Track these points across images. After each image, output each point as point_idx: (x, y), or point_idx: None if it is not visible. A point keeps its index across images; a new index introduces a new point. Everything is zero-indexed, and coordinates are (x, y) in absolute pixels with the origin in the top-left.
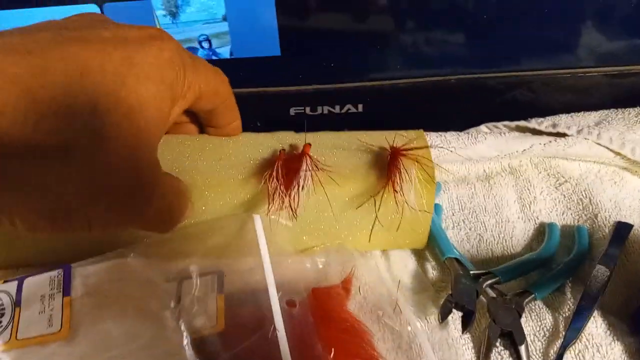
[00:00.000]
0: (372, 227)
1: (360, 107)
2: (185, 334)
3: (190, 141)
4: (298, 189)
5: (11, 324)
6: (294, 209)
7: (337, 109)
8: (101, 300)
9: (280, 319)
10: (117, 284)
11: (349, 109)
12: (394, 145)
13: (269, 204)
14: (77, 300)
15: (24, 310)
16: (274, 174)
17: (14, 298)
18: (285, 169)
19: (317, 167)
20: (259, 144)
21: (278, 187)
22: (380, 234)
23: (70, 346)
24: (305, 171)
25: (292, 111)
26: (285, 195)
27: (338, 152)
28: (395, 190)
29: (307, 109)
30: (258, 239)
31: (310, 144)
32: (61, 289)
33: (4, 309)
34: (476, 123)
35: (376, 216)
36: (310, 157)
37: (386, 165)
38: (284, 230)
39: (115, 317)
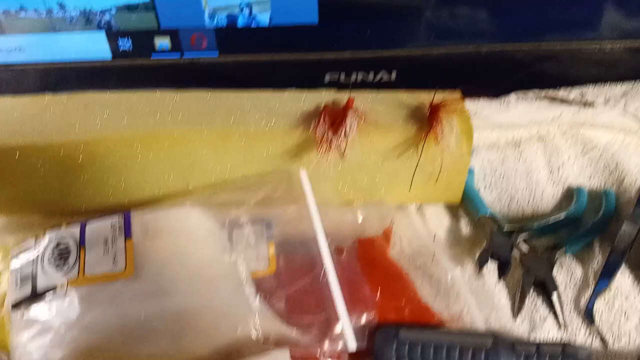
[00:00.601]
0: (413, 174)
1: (393, 75)
2: (243, 274)
3: (241, 97)
4: (345, 133)
5: (78, 262)
6: (342, 151)
7: (370, 77)
8: (162, 243)
9: (330, 262)
10: (175, 229)
11: (381, 78)
12: (433, 101)
13: (318, 148)
14: (138, 243)
15: (89, 251)
16: (321, 120)
17: (78, 240)
18: (331, 120)
19: (360, 117)
20: (303, 99)
21: (326, 132)
22: (419, 187)
23: (135, 284)
24: (351, 119)
25: (327, 78)
26: (334, 138)
27: (379, 107)
28: (437, 139)
29: (342, 76)
30: (305, 190)
31: (353, 98)
32: (122, 232)
33: (69, 249)
34: (506, 93)
35: (417, 163)
36: (354, 108)
37: (426, 118)
38: (328, 183)
39: (175, 258)
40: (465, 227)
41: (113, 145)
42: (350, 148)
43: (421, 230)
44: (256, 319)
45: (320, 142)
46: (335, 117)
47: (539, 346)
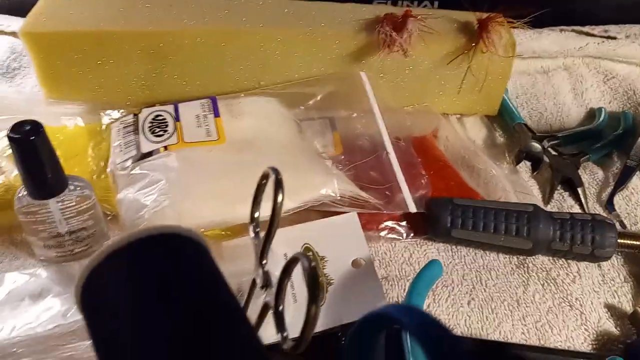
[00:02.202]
0: (464, 77)
1: (435, 4)
2: (315, 148)
3: (309, 6)
4: (408, 32)
5: (176, 131)
6: (405, 50)
7: (414, 4)
8: (247, 123)
9: (390, 144)
10: (256, 113)
11: (425, 4)
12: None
13: (381, 47)
14: (227, 121)
15: (184, 124)
16: (384, 24)
17: (174, 115)
18: (392, 24)
19: (418, 23)
20: (363, 9)
21: (389, 33)
22: (461, 97)
23: (228, 151)
24: (411, 24)
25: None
26: (397, 38)
27: (432, 20)
28: (486, 47)
29: (389, 3)
30: (366, 89)
31: (411, 9)
32: (212, 112)
33: (166, 120)
34: (538, 27)
35: (468, 67)
36: (413, 15)
37: (474, 31)
38: (383, 86)
39: (260, 135)
40: (499, 138)
41: (197, 38)
42: (412, 49)
43: (463, 135)
44: (336, 182)
45: (384, 42)
46: (396, 23)
47: (572, 215)
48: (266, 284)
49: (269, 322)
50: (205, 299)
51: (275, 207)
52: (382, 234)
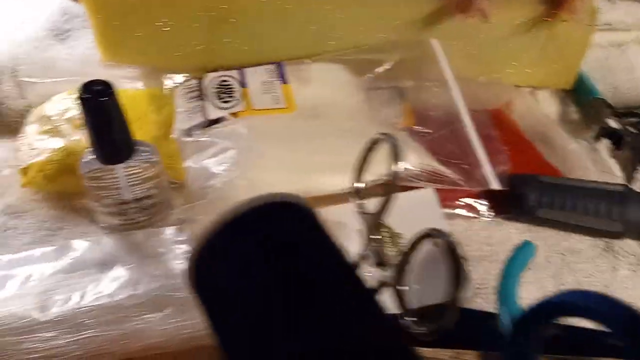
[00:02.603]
0: (541, 48)
1: None
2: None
3: None
4: None
5: (243, 98)
6: (486, 14)
7: None
8: (314, 90)
9: (468, 116)
10: (323, 79)
11: None
12: None
13: (457, 10)
14: (295, 88)
15: (251, 90)
16: None
17: (239, 80)
18: None
19: None
20: None
21: None
22: (536, 68)
23: (298, 119)
24: None
25: None
26: (476, 1)
27: None
28: (567, 13)
29: None
30: (438, 57)
31: None
32: (279, 78)
33: (232, 86)
34: None
35: (548, 35)
36: None
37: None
38: (455, 55)
39: (328, 102)
40: (573, 115)
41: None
42: (490, 12)
43: (537, 109)
44: (414, 155)
45: (458, 6)
46: None
47: None
48: (381, 262)
49: None
50: (334, 270)
51: (396, 176)
52: (459, 211)
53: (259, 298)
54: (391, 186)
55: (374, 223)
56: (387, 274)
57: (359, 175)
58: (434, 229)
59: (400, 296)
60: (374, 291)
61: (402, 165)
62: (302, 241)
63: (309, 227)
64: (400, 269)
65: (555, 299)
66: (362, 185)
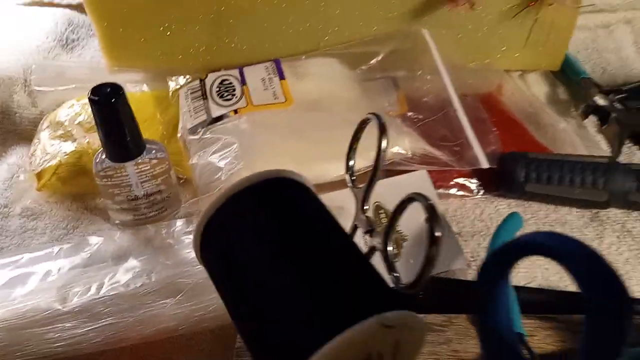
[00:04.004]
0: (529, 33)
1: None
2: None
3: None
4: None
5: (244, 95)
6: (472, 2)
7: None
8: (311, 84)
9: (458, 100)
10: (320, 73)
11: None
12: None
13: (446, 3)
14: (292, 84)
15: (251, 88)
16: None
17: (239, 79)
18: None
19: None
20: None
21: None
22: (524, 52)
23: (295, 112)
24: None
25: None
26: None
27: None
28: None
29: None
30: (429, 46)
31: None
32: (277, 74)
33: (233, 84)
34: None
35: (536, 19)
36: None
37: None
38: (445, 43)
39: (325, 96)
40: (562, 95)
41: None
42: (478, 2)
43: (527, 91)
44: (407, 139)
45: None
46: None
47: None
48: (371, 229)
49: None
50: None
51: (380, 152)
52: (452, 191)
53: (262, 261)
54: (378, 160)
55: (364, 195)
56: (376, 239)
57: (350, 153)
58: (416, 193)
59: (386, 257)
60: (365, 256)
61: (385, 143)
62: (299, 208)
63: (304, 197)
64: (387, 233)
65: (523, 239)
66: (353, 162)
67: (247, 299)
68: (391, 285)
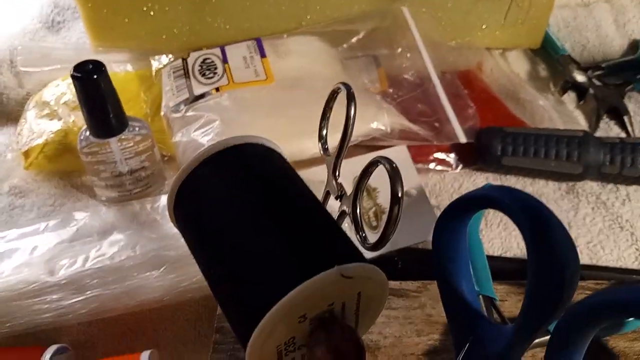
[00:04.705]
0: (507, 11)
1: None
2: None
3: None
4: None
5: (225, 73)
6: None
7: None
8: (292, 62)
9: (437, 77)
10: (301, 51)
11: None
12: None
13: None
14: (273, 62)
15: (232, 66)
16: None
17: (221, 57)
18: None
19: None
20: None
21: None
22: (505, 30)
23: (277, 90)
24: None
25: None
26: None
27: None
28: None
29: None
30: (409, 24)
31: None
32: (258, 52)
33: (215, 63)
34: None
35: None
36: None
37: None
38: (425, 21)
39: (306, 74)
40: (542, 72)
41: None
42: None
43: (507, 68)
44: (386, 115)
45: None
46: None
47: (621, 139)
48: (341, 195)
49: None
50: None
51: (348, 119)
52: (432, 165)
53: (233, 221)
54: (347, 127)
55: (335, 162)
56: (345, 203)
57: (323, 122)
58: (380, 157)
59: (355, 218)
60: (330, 216)
61: (354, 111)
62: (270, 172)
63: (276, 162)
64: (355, 196)
65: (476, 192)
66: (325, 131)
67: (218, 252)
68: (359, 244)
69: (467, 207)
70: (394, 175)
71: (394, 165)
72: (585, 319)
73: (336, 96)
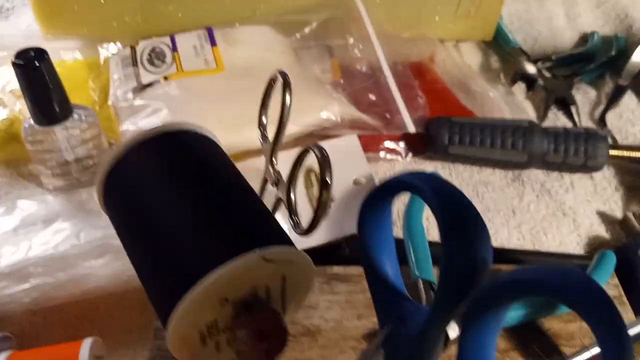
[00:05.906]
0: (459, 2)
1: None
2: (314, 74)
3: None
4: None
5: (174, 62)
6: None
7: None
8: (243, 51)
9: (387, 68)
10: (253, 41)
11: None
12: None
13: None
14: (224, 50)
15: (182, 54)
16: None
17: (171, 46)
18: None
19: None
20: None
21: None
22: (458, 21)
23: (227, 79)
24: None
25: None
26: None
27: None
28: None
29: None
30: (361, 14)
31: None
32: (208, 41)
33: (164, 51)
34: None
35: None
36: None
37: None
38: (379, 13)
39: (257, 63)
40: (494, 63)
41: None
42: None
43: (459, 60)
44: (336, 105)
45: None
46: None
47: (566, 129)
48: (277, 181)
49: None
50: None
51: (284, 106)
52: (382, 154)
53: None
54: (283, 114)
55: (272, 149)
56: (281, 192)
57: (262, 110)
58: (312, 144)
59: (288, 203)
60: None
61: (289, 99)
62: (201, 158)
63: (208, 149)
64: (289, 182)
65: (393, 179)
66: (264, 118)
67: (142, 236)
68: (292, 228)
69: (387, 193)
70: (323, 162)
71: (324, 152)
72: (492, 299)
73: (274, 84)
